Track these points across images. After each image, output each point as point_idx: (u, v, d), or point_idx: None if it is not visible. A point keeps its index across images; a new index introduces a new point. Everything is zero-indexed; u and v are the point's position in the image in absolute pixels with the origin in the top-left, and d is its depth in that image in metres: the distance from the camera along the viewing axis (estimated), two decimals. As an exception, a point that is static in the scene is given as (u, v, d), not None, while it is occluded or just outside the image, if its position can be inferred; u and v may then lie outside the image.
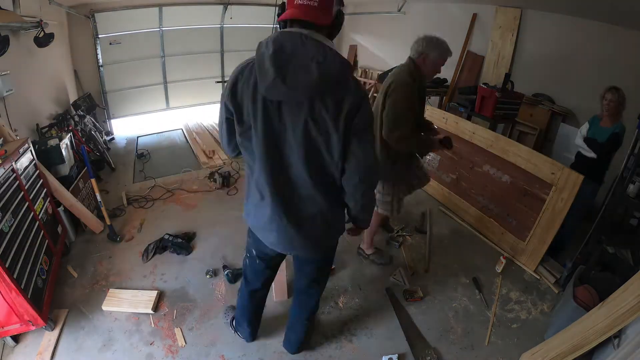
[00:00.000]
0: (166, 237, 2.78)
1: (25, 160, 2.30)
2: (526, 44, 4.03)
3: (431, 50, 1.95)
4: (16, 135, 2.62)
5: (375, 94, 5.84)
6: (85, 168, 3.14)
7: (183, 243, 2.73)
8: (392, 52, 6.05)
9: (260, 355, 1.95)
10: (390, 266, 2.66)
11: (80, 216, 2.83)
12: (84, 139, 3.94)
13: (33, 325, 1.87)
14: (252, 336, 1.98)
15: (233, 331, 2.03)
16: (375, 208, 2.33)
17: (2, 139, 2.24)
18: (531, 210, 2.73)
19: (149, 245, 2.72)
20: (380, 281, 2.53)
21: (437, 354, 1.98)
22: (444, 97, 4.91)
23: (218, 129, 1.36)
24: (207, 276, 2.45)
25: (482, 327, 2.20)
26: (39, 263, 2.10)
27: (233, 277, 2.45)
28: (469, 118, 3.85)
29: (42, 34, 3.34)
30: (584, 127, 2.82)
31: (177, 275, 2.50)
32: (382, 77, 4.61)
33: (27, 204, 2.15)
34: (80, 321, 2.10)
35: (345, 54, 7.12)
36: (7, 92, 2.79)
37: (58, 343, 1.95)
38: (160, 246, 2.72)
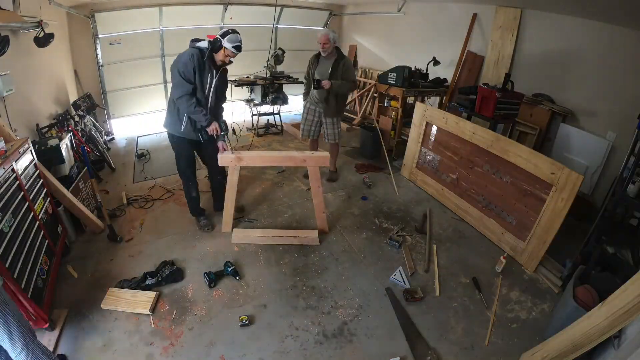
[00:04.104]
0: (149, 280, 2.37)
1: (25, 160, 2.30)
2: (526, 44, 4.04)
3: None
4: (16, 135, 2.62)
5: (375, 94, 5.84)
6: (85, 168, 3.14)
7: (174, 273, 2.45)
8: (392, 52, 6.05)
9: (261, 355, 1.95)
10: (387, 264, 2.67)
11: (80, 216, 2.83)
12: (84, 139, 3.94)
13: (33, 325, 1.86)
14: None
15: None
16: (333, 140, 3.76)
17: (2, 138, 2.23)
18: (531, 210, 2.74)
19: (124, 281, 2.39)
20: (380, 281, 2.53)
21: (437, 354, 1.98)
22: (444, 97, 4.91)
23: None
24: (207, 278, 2.44)
25: (482, 327, 2.20)
26: (39, 263, 2.10)
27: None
28: (469, 118, 3.85)
29: (42, 34, 3.34)
30: None
31: (177, 275, 2.50)
32: (382, 77, 4.61)
33: (27, 204, 2.15)
34: (81, 321, 2.10)
35: (345, 54, 7.12)
36: (7, 92, 2.79)
37: (58, 343, 1.95)
38: (144, 286, 2.34)
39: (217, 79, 2.63)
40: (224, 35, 2.50)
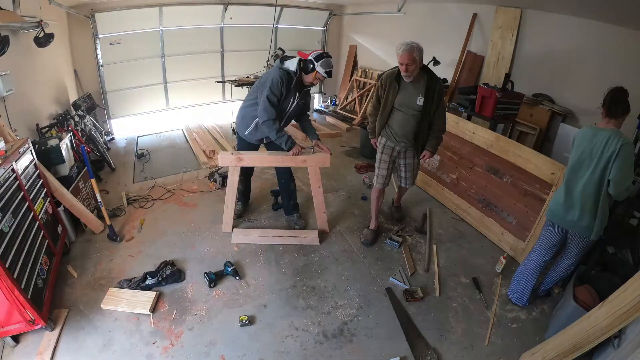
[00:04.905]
0: (149, 280, 2.38)
1: (25, 160, 2.30)
2: (526, 44, 4.03)
3: None
4: (16, 135, 2.63)
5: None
6: (85, 168, 3.14)
7: (174, 273, 2.45)
8: (392, 52, 6.03)
9: (260, 355, 1.95)
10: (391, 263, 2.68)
11: (80, 216, 2.83)
12: (84, 139, 3.94)
13: (33, 325, 1.87)
14: None
15: None
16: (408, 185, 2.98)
17: (2, 139, 2.23)
18: (531, 210, 2.74)
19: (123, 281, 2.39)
20: (380, 281, 2.53)
21: (437, 354, 1.98)
22: (444, 97, 4.91)
23: None
24: (207, 278, 2.44)
25: (482, 327, 2.20)
26: (39, 263, 2.10)
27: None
28: (469, 118, 3.85)
29: (42, 34, 3.34)
30: None
31: (177, 275, 2.50)
32: (382, 77, 4.61)
33: (27, 204, 2.15)
34: (81, 321, 2.10)
35: (345, 53, 7.14)
36: (7, 92, 2.79)
37: (58, 343, 1.95)
38: (144, 286, 2.35)
39: (298, 99, 2.65)
40: (317, 58, 2.47)
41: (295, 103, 2.64)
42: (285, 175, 2.98)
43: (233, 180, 2.82)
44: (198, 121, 5.92)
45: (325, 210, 3.01)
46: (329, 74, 2.51)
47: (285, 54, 2.50)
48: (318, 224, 3.01)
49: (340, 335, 2.09)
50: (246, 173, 3.08)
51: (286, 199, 3.11)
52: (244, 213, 3.29)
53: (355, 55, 6.91)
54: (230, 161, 2.75)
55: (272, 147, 2.86)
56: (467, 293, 2.46)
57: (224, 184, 3.74)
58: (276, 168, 2.99)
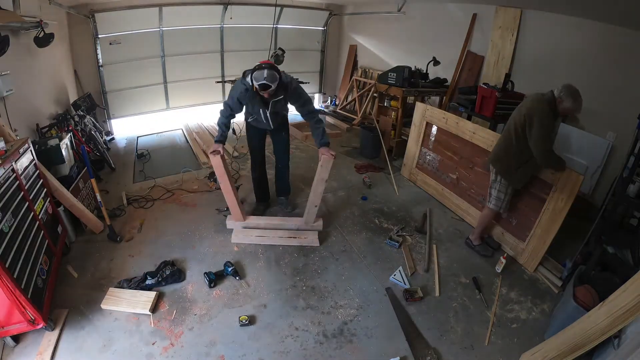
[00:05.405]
0: (149, 280, 2.38)
1: (25, 160, 2.30)
2: (526, 44, 4.03)
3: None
4: (16, 135, 2.62)
5: (375, 94, 5.84)
6: (85, 168, 3.14)
7: (174, 273, 2.44)
8: (392, 52, 6.05)
9: (260, 355, 1.95)
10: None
11: (80, 216, 2.83)
12: (84, 139, 3.94)
13: (33, 325, 1.87)
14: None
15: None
16: (487, 204, 2.76)
17: (2, 138, 2.23)
18: (531, 210, 2.73)
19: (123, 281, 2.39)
20: (380, 281, 2.53)
21: (437, 354, 1.98)
22: (444, 97, 4.91)
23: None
24: (207, 278, 2.44)
25: (482, 327, 2.20)
26: (39, 263, 2.10)
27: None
28: (469, 118, 3.85)
29: (42, 34, 3.34)
30: None
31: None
32: (382, 77, 4.61)
33: (27, 204, 2.15)
34: (81, 321, 2.10)
35: (345, 53, 7.13)
36: (7, 92, 2.79)
37: (58, 343, 1.95)
38: (144, 286, 2.35)
39: (270, 111, 2.64)
40: (254, 69, 2.28)
41: (268, 113, 2.67)
42: (283, 160, 3.17)
43: (217, 164, 2.61)
44: (198, 121, 5.92)
45: (317, 204, 2.88)
46: (263, 87, 2.27)
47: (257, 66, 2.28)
48: (305, 216, 2.94)
49: (340, 335, 2.09)
50: (260, 162, 3.18)
51: (280, 181, 3.32)
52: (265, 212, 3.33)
53: (355, 55, 6.91)
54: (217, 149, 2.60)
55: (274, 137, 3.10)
56: (467, 293, 2.46)
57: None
58: (275, 152, 3.17)
